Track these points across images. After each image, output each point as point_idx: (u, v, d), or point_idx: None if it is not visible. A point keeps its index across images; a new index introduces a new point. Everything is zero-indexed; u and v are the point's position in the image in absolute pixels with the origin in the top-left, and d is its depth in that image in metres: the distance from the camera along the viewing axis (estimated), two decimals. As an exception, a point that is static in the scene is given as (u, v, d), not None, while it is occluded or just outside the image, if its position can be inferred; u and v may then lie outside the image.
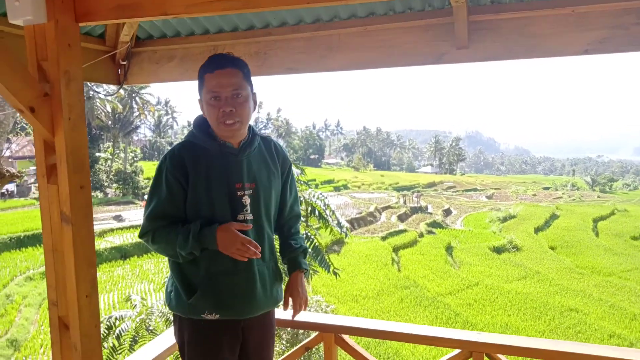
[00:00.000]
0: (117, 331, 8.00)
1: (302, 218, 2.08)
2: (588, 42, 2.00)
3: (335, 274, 10.12)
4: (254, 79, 1.81)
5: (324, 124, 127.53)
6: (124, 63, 2.67)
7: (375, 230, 31.55)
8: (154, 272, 21.45)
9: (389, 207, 39.69)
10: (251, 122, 1.85)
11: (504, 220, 36.64)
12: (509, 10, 2.09)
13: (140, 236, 1.81)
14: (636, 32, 1.94)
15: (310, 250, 9.27)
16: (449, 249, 28.51)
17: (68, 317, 1.53)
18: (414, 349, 15.02)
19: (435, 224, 34.74)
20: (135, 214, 30.34)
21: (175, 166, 1.73)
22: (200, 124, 1.81)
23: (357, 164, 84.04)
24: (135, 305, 8.80)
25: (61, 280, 1.53)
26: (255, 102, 1.82)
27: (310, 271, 10.37)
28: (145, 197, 3.06)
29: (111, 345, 7.91)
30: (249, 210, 1.78)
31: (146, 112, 50.72)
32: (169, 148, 1.86)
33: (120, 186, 39.40)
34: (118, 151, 44.38)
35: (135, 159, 43.73)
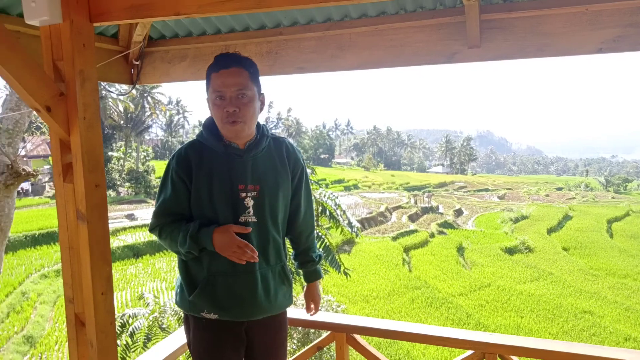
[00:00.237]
0: (130, 329, 8.07)
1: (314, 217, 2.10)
2: (602, 40, 1.97)
3: (345, 274, 10.12)
4: (265, 78, 1.81)
5: (334, 123, 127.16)
6: (137, 63, 2.70)
7: (386, 231, 31.47)
8: (166, 270, 21.62)
9: (399, 207, 39.57)
10: (261, 122, 1.84)
11: (516, 220, 36.31)
12: (521, 9, 2.06)
13: (150, 230, 1.85)
14: (651, 30, 1.90)
15: (321, 250, 9.27)
16: (460, 249, 28.31)
17: (84, 314, 1.54)
18: (426, 349, 14.93)
19: (446, 224, 34.57)
20: (147, 213, 30.53)
21: (180, 165, 1.74)
22: (209, 125, 1.80)
23: (368, 164, 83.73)
24: (148, 303, 8.88)
25: (77, 278, 1.55)
26: (262, 103, 1.79)
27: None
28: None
29: (125, 342, 7.99)
30: (252, 212, 1.75)
31: (158, 112, 51.10)
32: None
33: (133, 185, 39.81)
34: (130, 150, 44.79)
35: (147, 158, 44.14)
